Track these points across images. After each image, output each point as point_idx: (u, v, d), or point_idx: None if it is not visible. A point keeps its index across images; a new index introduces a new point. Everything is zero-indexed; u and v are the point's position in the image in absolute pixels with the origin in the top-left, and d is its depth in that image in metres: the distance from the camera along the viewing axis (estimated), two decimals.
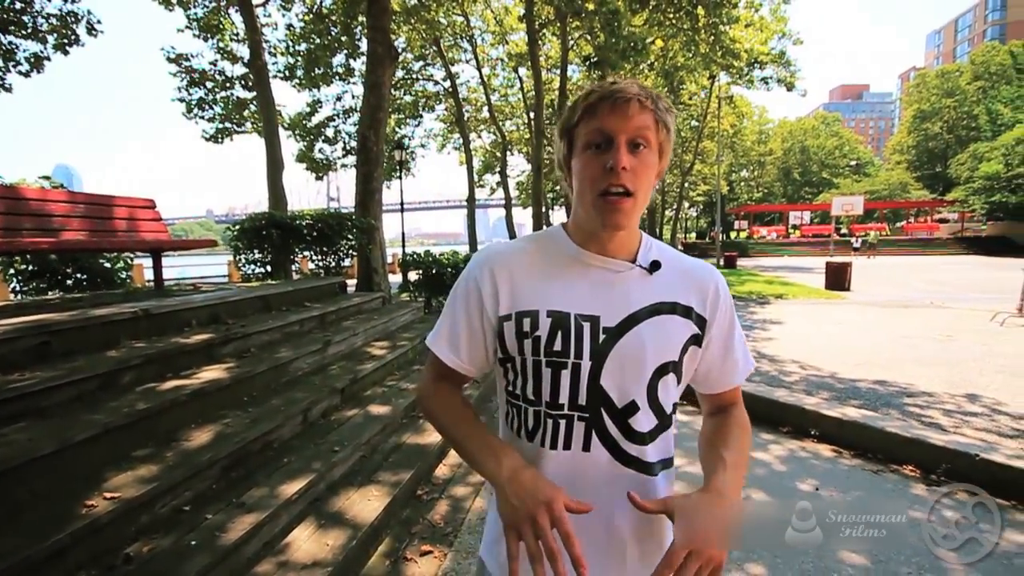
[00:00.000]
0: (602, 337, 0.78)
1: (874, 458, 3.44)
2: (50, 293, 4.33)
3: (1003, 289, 11.15)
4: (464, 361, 0.87)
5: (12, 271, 4.34)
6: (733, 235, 49.51)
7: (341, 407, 3.08)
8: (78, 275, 4.54)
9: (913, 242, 36.64)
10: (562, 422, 0.79)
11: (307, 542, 2.00)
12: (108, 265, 4.81)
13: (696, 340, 0.83)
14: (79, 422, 1.96)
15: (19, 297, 4.34)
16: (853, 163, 54.54)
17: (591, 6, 8.88)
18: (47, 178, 4.69)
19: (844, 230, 40.58)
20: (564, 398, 0.79)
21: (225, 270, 15.95)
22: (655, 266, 0.82)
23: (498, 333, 0.84)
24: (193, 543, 1.74)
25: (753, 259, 31.39)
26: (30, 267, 4.33)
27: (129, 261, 5.10)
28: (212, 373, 2.68)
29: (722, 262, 23.13)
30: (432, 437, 2.94)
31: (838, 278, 13.19)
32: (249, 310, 3.68)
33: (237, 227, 5.33)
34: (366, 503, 2.30)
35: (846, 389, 4.74)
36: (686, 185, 43.72)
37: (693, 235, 52.52)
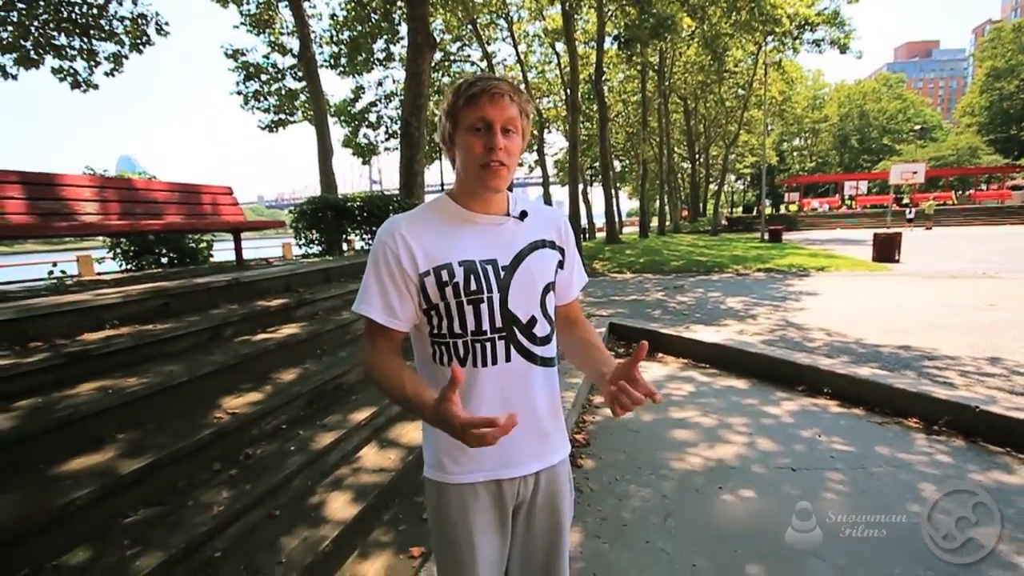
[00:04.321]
0: (503, 274, 1.05)
1: (881, 412, 3.68)
2: (148, 269, 5.09)
3: None
4: (399, 321, 1.05)
5: (119, 251, 5.12)
6: (783, 208, 47.52)
7: None
8: (171, 254, 5.31)
9: (980, 211, 34.20)
10: (488, 344, 1.04)
11: (373, 456, 2.53)
12: (193, 245, 5.55)
13: (560, 264, 1.17)
14: (200, 361, 2.54)
15: (128, 272, 5.11)
16: (917, 128, 51.01)
17: None
18: (142, 173, 5.44)
19: (906, 200, 38.18)
20: (486, 325, 1.04)
21: (280, 251, 17.08)
22: (523, 215, 1.11)
23: (420, 288, 1.03)
24: (292, 448, 2.29)
25: (802, 232, 30.23)
26: (132, 247, 5.11)
27: (210, 241, 5.84)
28: (291, 329, 3.25)
29: (767, 236, 22.47)
30: None
31: (886, 250, 12.82)
32: (314, 281, 4.26)
33: (298, 210, 5.97)
34: (417, 432, 2.81)
35: (867, 353, 4.92)
36: (732, 157, 42.25)
37: (740, 209, 50.67)
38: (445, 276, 1.02)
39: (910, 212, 29.25)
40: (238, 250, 4.76)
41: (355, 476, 2.34)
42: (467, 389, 1.06)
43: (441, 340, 1.07)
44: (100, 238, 5.10)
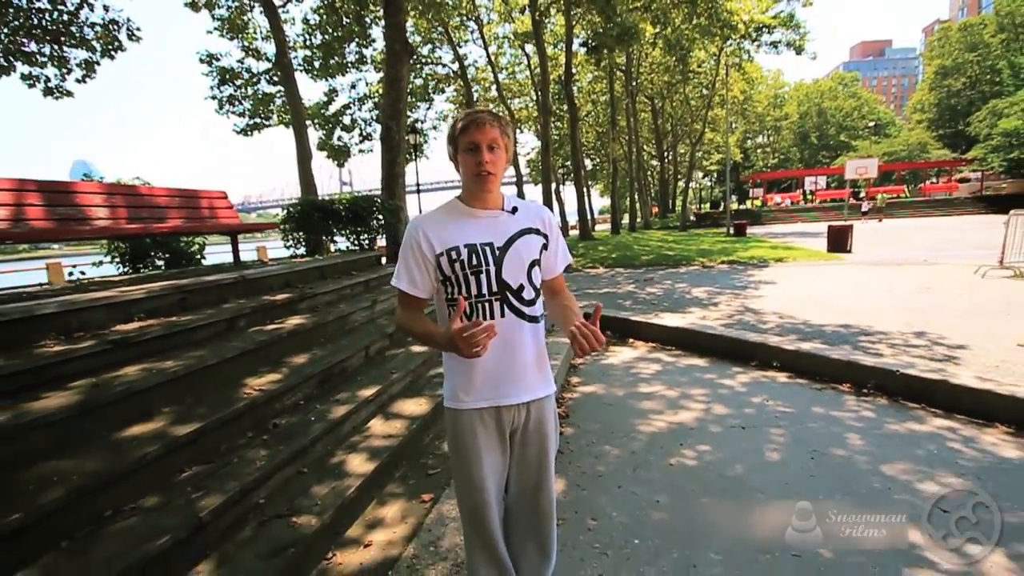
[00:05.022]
0: (498, 253, 1.43)
1: (820, 380, 4.21)
2: (144, 271, 5.29)
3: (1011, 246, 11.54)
4: (420, 290, 1.47)
5: (116, 255, 5.29)
6: (749, 203, 49.14)
7: (390, 347, 3.96)
8: (166, 255, 5.51)
9: (930, 203, 36.05)
10: (487, 304, 1.43)
11: (380, 427, 2.89)
12: (186, 247, 5.76)
13: (544, 246, 1.53)
14: (223, 347, 2.85)
15: (125, 275, 5.29)
16: (871, 124, 53.31)
17: None
18: (137, 178, 5.62)
19: (862, 194, 40.04)
20: (484, 290, 1.42)
21: (255, 255, 17.09)
22: (515, 210, 1.52)
23: (436, 266, 1.42)
24: (312, 419, 2.64)
25: (766, 226, 31.41)
26: (129, 251, 5.29)
27: (202, 243, 6.05)
28: (296, 320, 3.57)
29: (732, 231, 23.37)
30: None
31: (839, 241, 13.68)
32: (310, 278, 4.56)
33: (286, 212, 6.23)
34: (417, 407, 3.18)
35: (812, 332, 5.49)
36: (699, 155, 43.52)
37: (707, 205, 52.21)
38: (454, 255, 1.41)
39: (865, 205, 30.73)
40: (235, 250, 5.02)
41: (367, 441, 2.70)
42: None
43: (453, 302, 1.45)
44: (102, 242, 5.25)
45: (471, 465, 1.55)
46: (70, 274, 4.43)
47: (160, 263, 5.48)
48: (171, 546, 1.69)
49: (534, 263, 1.51)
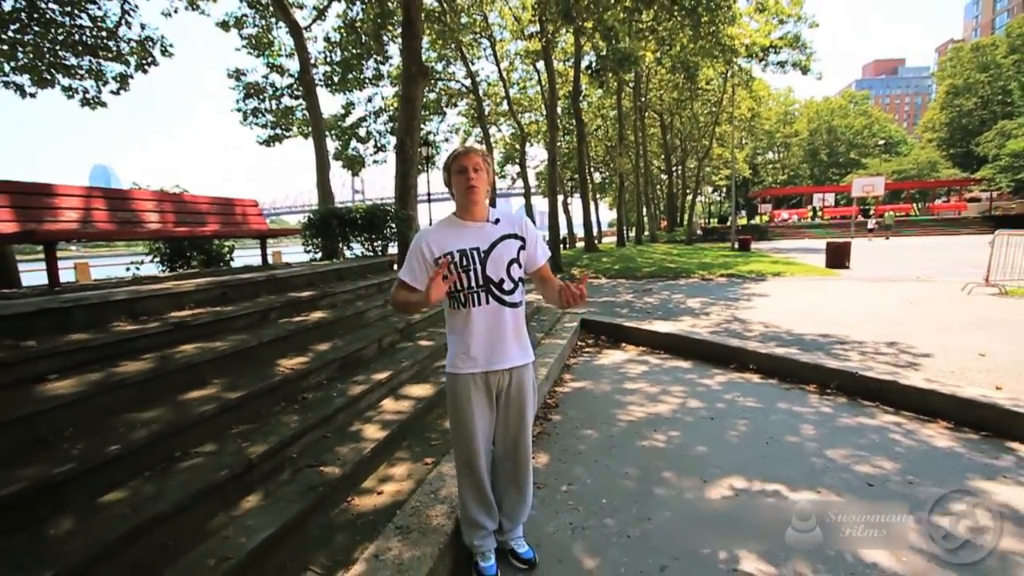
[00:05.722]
0: (482, 255, 1.89)
1: (790, 380, 4.62)
2: (179, 270, 5.84)
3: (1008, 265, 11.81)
4: (416, 283, 1.91)
5: (157, 255, 5.85)
6: (759, 219, 49.40)
7: (401, 341, 4.44)
8: (201, 256, 6.05)
9: (938, 222, 36.23)
10: (475, 295, 1.90)
11: (392, 405, 3.35)
12: (216, 250, 6.31)
13: (523, 247, 1.99)
14: (260, 334, 3.34)
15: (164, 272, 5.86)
16: (881, 142, 53.43)
17: (589, 25, 9.99)
18: (176, 185, 6.20)
19: (871, 211, 40.24)
20: (473, 284, 1.89)
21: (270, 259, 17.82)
22: (497, 221, 1.98)
23: (435, 265, 1.87)
24: (334, 395, 3.11)
25: (772, 242, 31.75)
26: (167, 251, 5.85)
27: (231, 246, 6.60)
28: (319, 314, 4.06)
29: (736, 245, 23.75)
30: None
31: (837, 257, 14.02)
32: (329, 279, 5.07)
33: (307, 219, 6.79)
34: (423, 391, 3.64)
35: (791, 339, 5.89)
36: (708, 170, 43.94)
37: (715, 220, 52.55)
38: (449, 257, 1.90)
39: (871, 223, 30.93)
40: (263, 253, 5.56)
41: (380, 416, 3.16)
42: (466, 322, 1.96)
43: (455, 295, 1.95)
44: (124, 243, 5.81)
45: (465, 420, 2.01)
46: (127, 269, 4.98)
47: (194, 264, 6.02)
48: (229, 478, 2.16)
49: (512, 261, 1.98)
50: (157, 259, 5.79)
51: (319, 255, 7.34)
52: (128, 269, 4.94)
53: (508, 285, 1.97)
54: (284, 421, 2.68)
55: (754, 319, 7.20)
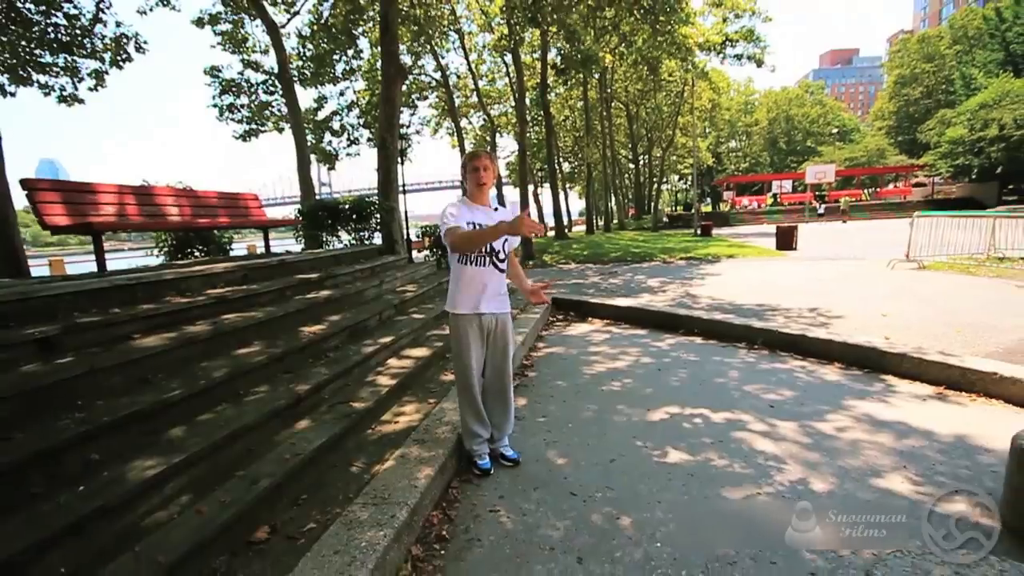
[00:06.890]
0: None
1: (726, 340, 5.51)
2: (188, 258, 6.34)
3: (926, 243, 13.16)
4: (461, 225, 2.57)
5: (162, 245, 6.33)
6: (722, 206, 51.25)
7: (396, 315, 5.14)
8: (205, 247, 6.55)
9: (886, 206, 38.48)
10: (479, 258, 2.66)
11: (396, 363, 4.07)
12: (219, 239, 6.82)
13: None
14: (283, 307, 4.00)
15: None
16: (835, 131, 55.85)
17: (554, 29, 10.70)
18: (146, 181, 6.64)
19: (826, 197, 42.37)
20: (480, 251, 2.69)
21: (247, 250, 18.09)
22: (496, 209, 2.81)
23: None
24: (350, 354, 3.80)
25: (733, 228, 33.27)
26: (174, 242, 6.33)
27: (231, 237, 7.11)
28: (326, 292, 4.72)
29: (699, 231, 24.97)
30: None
31: (785, 240, 15.22)
32: (328, 264, 5.70)
33: (300, 211, 7.36)
34: (421, 352, 4.36)
35: (733, 308, 6.82)
36: (673, 159, 45.39)
37: (681, 208, 54.25)
38: (465, 227, 2.63)
39: (820, 208, 32.77)
40: (267, 242, 6.11)
41: (388, 370, 3.88)
42: (469, 278, 2.68)
43: (462, 256, 2.69)
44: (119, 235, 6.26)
45: (464, 352, 2.76)
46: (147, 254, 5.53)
47: (198, 254, 6.52)
48: (285, 407, 2.85)
49: (505, 239, 2.73)
50: (165, 250, 6.27)
51: (301, 245, 7.89)
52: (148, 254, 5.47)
53: (501, 256, 2.74)
54: (315, 372, 3.38)
55: (703, 294, 8.14)
